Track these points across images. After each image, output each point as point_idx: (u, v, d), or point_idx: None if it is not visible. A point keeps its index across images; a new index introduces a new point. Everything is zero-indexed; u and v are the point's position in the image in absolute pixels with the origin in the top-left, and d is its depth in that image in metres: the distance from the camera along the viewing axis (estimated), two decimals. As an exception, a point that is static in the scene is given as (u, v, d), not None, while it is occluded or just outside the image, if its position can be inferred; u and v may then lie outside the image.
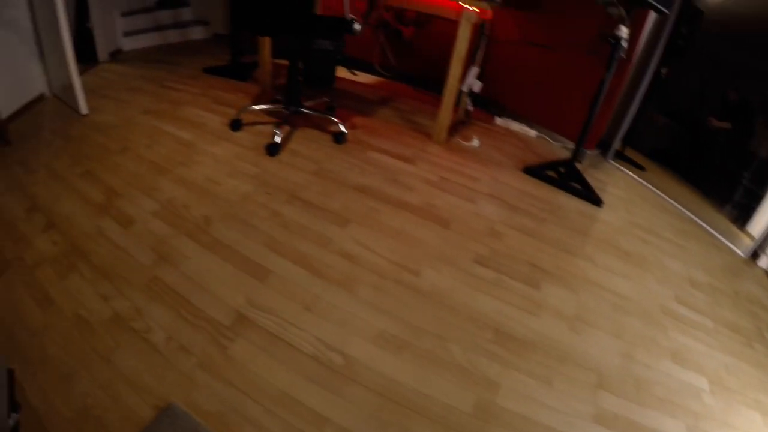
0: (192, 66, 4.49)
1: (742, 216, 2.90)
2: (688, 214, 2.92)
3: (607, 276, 2.19)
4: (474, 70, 3.36)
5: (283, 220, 2.29)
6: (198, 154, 2.81)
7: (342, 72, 4.42)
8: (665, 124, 3.45)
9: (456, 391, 1.58)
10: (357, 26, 2.67)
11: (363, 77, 4.44)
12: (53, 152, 2.82)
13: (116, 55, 4.80)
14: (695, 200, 3.06)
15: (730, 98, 3.09)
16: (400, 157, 2.99)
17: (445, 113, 3.12)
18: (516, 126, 3.66)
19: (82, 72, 3.26)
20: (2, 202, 2.40)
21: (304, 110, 3.14)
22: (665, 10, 2.34)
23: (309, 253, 2.09)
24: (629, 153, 3.42)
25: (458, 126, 3.49)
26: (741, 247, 2.78)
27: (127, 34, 5.03)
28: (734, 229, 2.91)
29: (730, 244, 2.80)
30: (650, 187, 3.13)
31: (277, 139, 2.85)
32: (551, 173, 2.96)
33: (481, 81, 3.51)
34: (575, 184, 2.85)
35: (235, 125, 3.14)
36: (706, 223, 2.87)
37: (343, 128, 3.11)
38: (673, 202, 3.00)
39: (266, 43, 3.67)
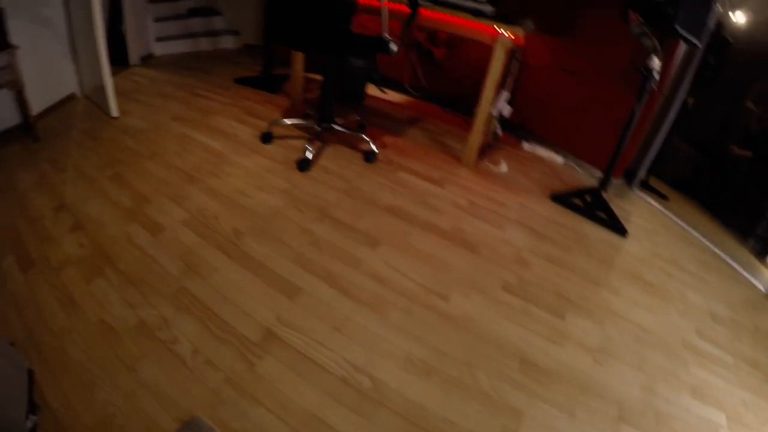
0: (223, 75, 4.58)
1: (764, 249, 2.89)
2: (710, 246, 2.92)
3: (630, 308, 2.21)
4: (504, 95, 3.39)
5: (314, 237, 2.30)
6: (228, 165, 2.85)
7: (371, 89, 4.46)
8: (688, 153, 3.46)
9: (481, 419, 1.58)
10: (393, 46, 2.71)
11: (392, 95, 4.49)
12: (82, 152, 2.87)
13: (147, 60, 4.91)
14: (717, 231, 3.08)
15: (752, 127, 3.09)
16: (430, 179, 3.01)
17: (476, 137, 3.15)
18: (543, 151, 3.68)
19: (113, 74, 3.34)
20: (30, 198, 2.45)
21: (336, 127, 3.17)
22: (697, 43, 2.37)
23: (339, 273, 2.10)
24: (653, 182, 3.44)
25: (486, 149, 3.51)
26: (762, 281, 2.76)
27: (159, 39, 5.16)
28: (756, 262, 2.91)
29: (751, 278, 2.78)
30: (673, 217, 3.14)
31: (309, 155, 2.89)
32: (577, 201, 2.99)
33: (510, 105, 3.54)
34: (601, 213, 2.88)
35: (266, 138, 3.18)
36: (728, 256, 2.86)
37: (374, 147, 3.14)
38: (695, 233, 3.00)
39: (299, 57, 3.73)
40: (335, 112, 3.18)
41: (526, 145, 3.76)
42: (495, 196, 2.92)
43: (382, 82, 4.51)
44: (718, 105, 3.22)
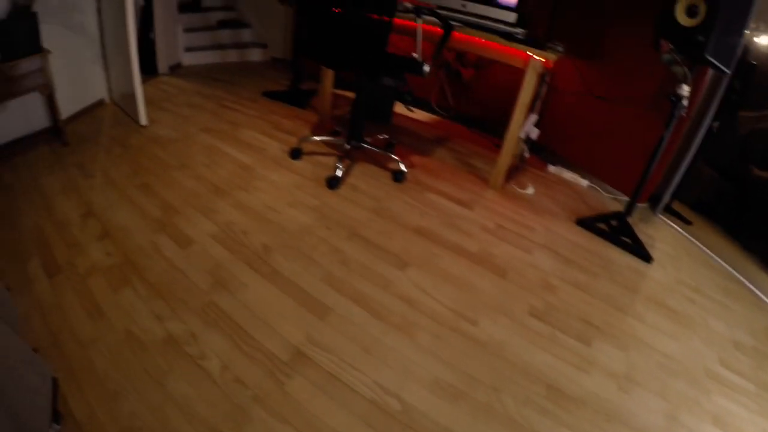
0: (251, 88, 4.65)
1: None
2: (733, 272, 2.90)
3: (655, 335, 2.21)
4: (533, 118, 3.41)
5: (344, 257, 2.32)
6: (257, 180, 2.89)
7: (399, 108, 4.50)
8: (711, 176, 3.45)
9: (509, 448, 1.58)
10: (426, 68, 2.75)
11: (419, 114, 4.53)
12: (111, 159, 2.93)
13: (176, 69, 5.01)
14: (740, 257, 3.05)
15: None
16: (458, 201, 3.02)
17: (504, 160, 3.17)
18: (568, 175, 3.70)
19: (142, 82, 3.40)
20: (57, 202, 2.50)
21: (366, 146, 3.20)
22: (726, 70, 2.39)
23: (369, 294, 2.11)
24: (676, 206, 3.43)
25: (513, 171, 3.52)
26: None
27: (188, 49, 5.27)
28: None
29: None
30: (697, 243, 3.13)
31: (339, 173, 2.92)
32: (602, 225, 3.01)
33: (538, 128, 3.56)
34: (626, 239, 2.90)
35: (296, 154, 3.22)
36: (751, 282, 2.83)
37: (403, 167, 3.17)
38: (718, 259, 2.99)
39: (329, 74, 3.79)
40: (364, 130, 3.22)
41: (552, 168, 3.77)
42: (522, 220, 2.94)
43: (413, 102, 4.56)
44: (742, 127, 3.22)
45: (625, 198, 3.35)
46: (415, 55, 2.79)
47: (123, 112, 3.67)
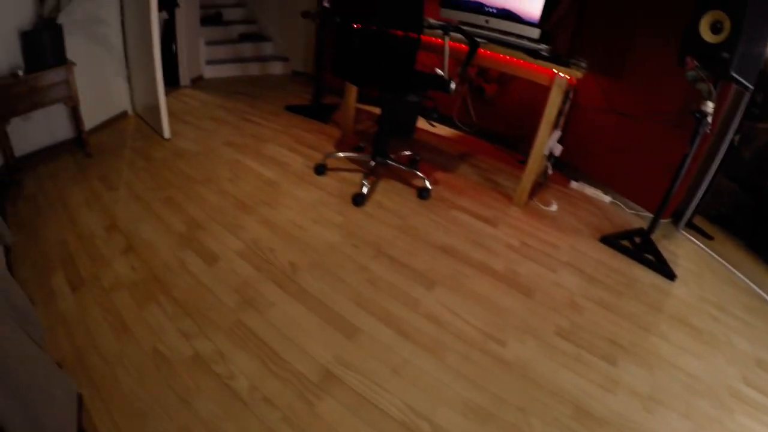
0: (272, 102, 4.70)
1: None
2: (756, 289, 2.87)
3: (679, 354, 2.20)
4: (556, 134, 3.41)
5: (371, 276, 2.32)
6: (282, 195, 2.91)
7: (420, 122, 4.51)
8: (731, 189, 3.42)
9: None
10: (453, 85, 2.77)
11: (441, 129, 4.54)
12: (134, 172, 2.96)
13: (197, 82, 5.08)
14: (762, 272, 3.02)
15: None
16: (483, 218, 3.02)
17: (529, 177, 3.18)
18: (591, 191, 3.70)
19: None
20: (81, 214, 2.53)
21: (391, 162, 3.21)
22: (749, 86, 2.38)
23: (397, 314, 2.11)
24: (697, 221, 3.41)
25: (536, 188, 3.52)
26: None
27: (209, 62, 5.33)
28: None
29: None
30: (719, 258, 3.11)
31: (365, 190, 2.93)
32: (626, 243, 3.02)
33: (561, 144, 3.57)
34: (649, 256, 2.90)
35: (320, 170, 3.24)
36: None
37: (428, 184, 3.17)
38: (741, 275, 2.96)
39: (353, 89, 3.81)
40: (388, 146, 3.23)
41: (575, 184, 3.77)
42: (546, 237, 2.94)
43: (440, 120, 4.57)
44: (759, 139, 3.20)
45: (647, 214, 3.38)
46: (440, 71, 2.80)
47: (146, 124, 3.72)
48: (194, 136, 3.62)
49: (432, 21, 2.88)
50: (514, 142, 4.15)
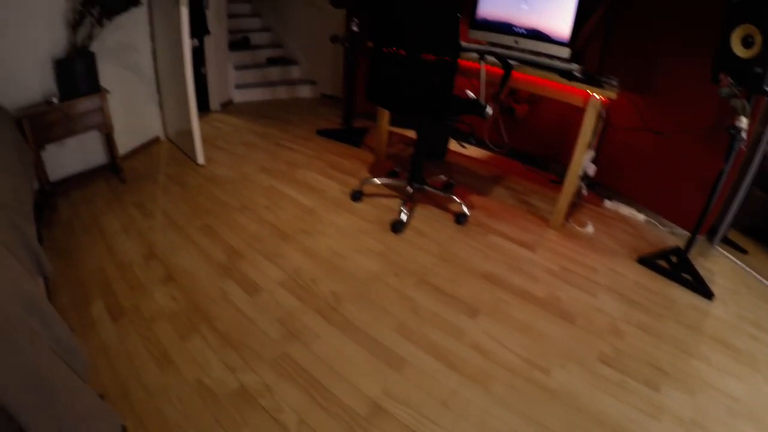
0: (303, 126, 4.76)
1: None
2: None
3: (720, 376, 2.17)
4: (589, 154, 3.39)
5: (414, 305, 2.31)
6: (320, 223, 2.93)
7: (451, 144, 4.53)
8: (764, 200, 3.37)
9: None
10: (489, 110, 2.77)
11: (471, 151, 4.54)
12: (170, 199, 3.00)
13: (227, 106, 5.16)
14: None
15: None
16: (521, 243, 3.01)
17: (565, 199, 3.16)
18: (625, 210, 3.67)
19: (197, 120, 3.51)
20: (119, 242, 2.56)
21: (428, 188, 3.21)
22: None
23: (442, 344, 2.10)
24: (731, 234, 3.37)
25: (571, 209, 3.50)
26: None
27: (238, 86, 5.42)
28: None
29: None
30: (754, 273, 3.06)
31: (404, 217, 2.93)
32: (662, 263, 3.00)
33: (594, 164, 3.55)
34: (686, 275, 2.87)
35: (356, 196, 3.26)
36: None
37: (465, 209, 3.17)
38: None
39: (385, 113, 3.84)
40: (424, 171, 3.24)
41: (609, 203, 3.75)
42: (585, 260, 2.92)
43: (476, 143, 4.58)
44: None
45: (683, 231, 3.36)
46: (471, 94, 2.81)
47: (178, 150, 3.77)
48: (228, 162, 3.67)
49: (465, 44, 2.90)
50: (545, 162, 4.15)
